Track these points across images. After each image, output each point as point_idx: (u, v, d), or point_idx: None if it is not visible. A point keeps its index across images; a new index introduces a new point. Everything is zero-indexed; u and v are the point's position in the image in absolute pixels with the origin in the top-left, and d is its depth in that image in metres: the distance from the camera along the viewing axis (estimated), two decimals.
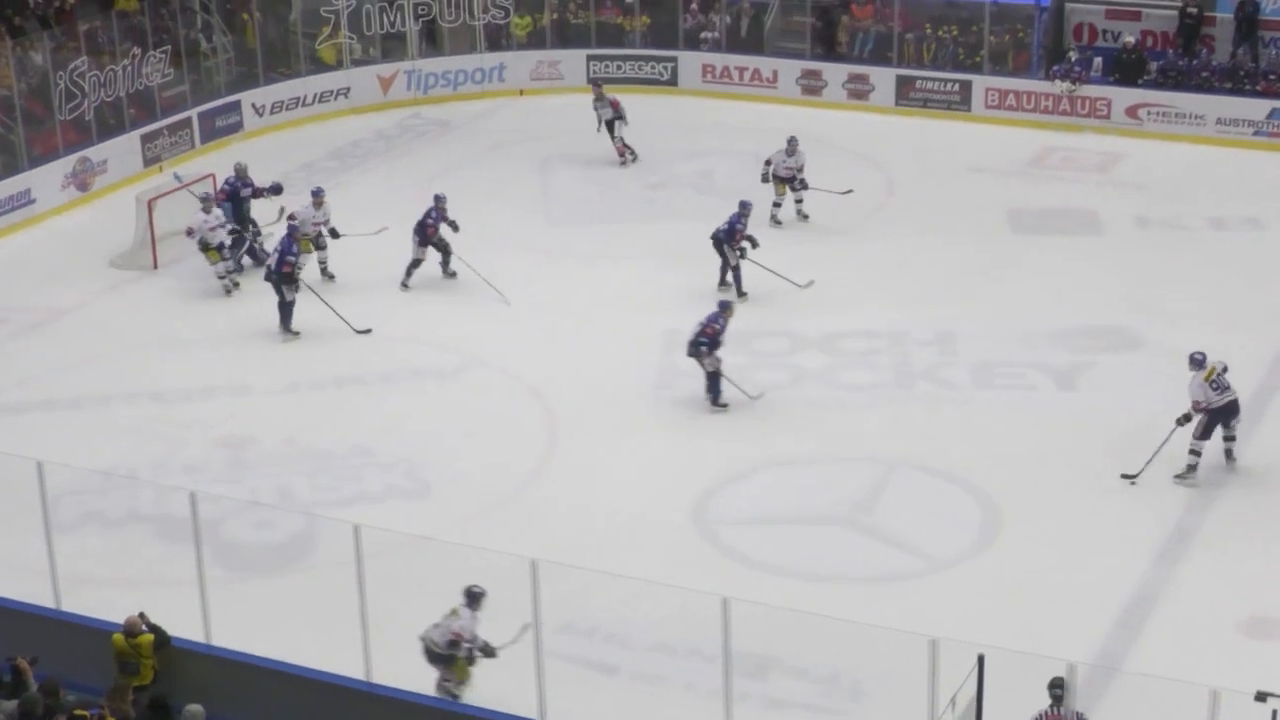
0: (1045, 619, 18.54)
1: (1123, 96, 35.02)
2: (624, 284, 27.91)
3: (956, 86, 36.19)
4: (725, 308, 23.66)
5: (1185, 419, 21.13)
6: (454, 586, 18.49)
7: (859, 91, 37.00)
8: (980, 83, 36.08)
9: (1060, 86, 35.21)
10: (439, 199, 27.71)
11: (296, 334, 26.00)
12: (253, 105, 36.23)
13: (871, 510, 21.06)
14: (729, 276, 27.01)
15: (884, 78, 36.78)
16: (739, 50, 38.06)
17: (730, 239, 26.71)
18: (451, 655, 16.73)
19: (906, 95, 36.57)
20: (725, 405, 23.49)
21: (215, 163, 32.28)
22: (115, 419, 23.68)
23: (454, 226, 27.63)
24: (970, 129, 35.59)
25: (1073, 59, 35.49)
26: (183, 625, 16.74)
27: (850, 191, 30.28)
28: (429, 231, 27.59)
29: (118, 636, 16.26)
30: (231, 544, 20.12)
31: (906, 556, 20.03)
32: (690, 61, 38.24)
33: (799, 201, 30.18)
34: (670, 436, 23.14)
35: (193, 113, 35.02)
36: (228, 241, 27.93)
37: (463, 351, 25.64)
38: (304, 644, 17.09)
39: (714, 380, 23.48)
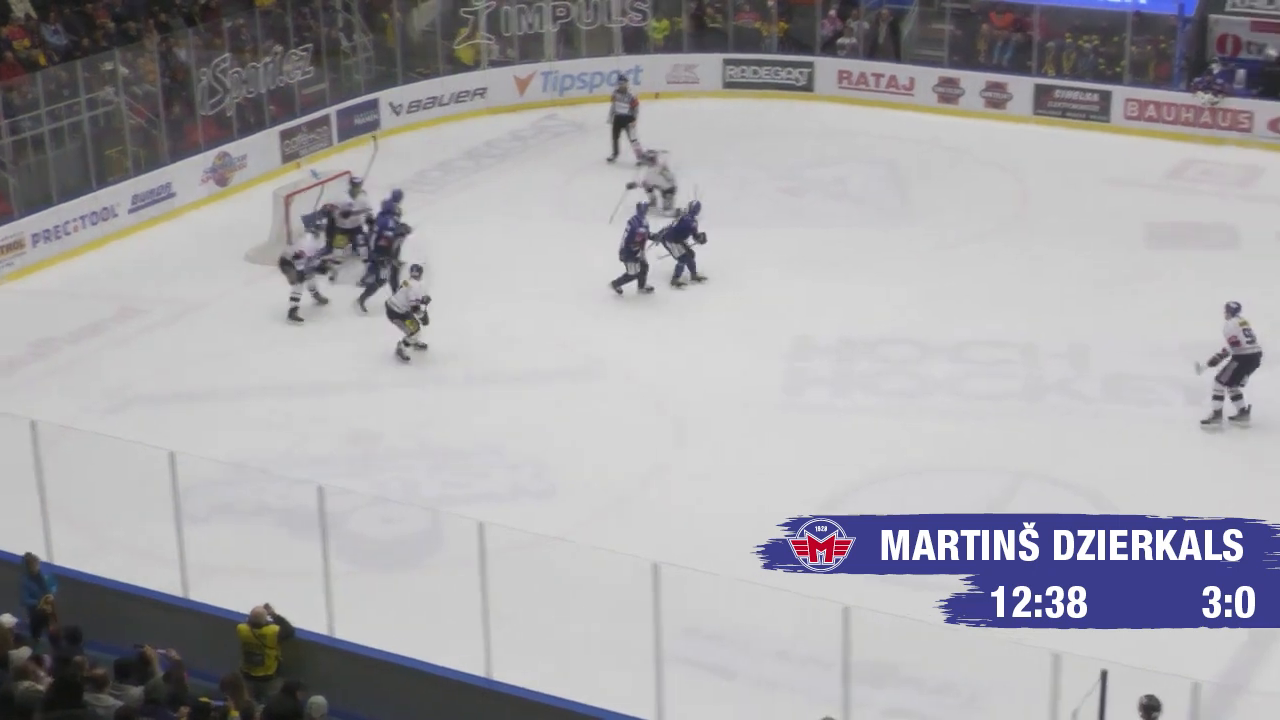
0: (1171, 635, 18.23)
1: (1265, 110, 34.52)
2: (753, 288, 27.87)
3: (1096, 97, 35.83)
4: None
5: (1216, 360, 22.86)
6: (576, 586, 18.63)
7: (996, 100, 36.72)
8: (1120, 93, 35.70)
9: (1202, 99, 34.75)
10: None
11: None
12: (390, 104, 36.53)
13: None
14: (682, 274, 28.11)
15: (1022, 86, 36.49)
16: (876, 57, 37.90)
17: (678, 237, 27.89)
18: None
19: (1045, 105, 36.25)
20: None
21: (352, 160, 32.54)
22: (247, 412, 23.98)
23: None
24: (1109, 140, 35.18)
25: (1215, 71, 35.02)
26: (307, 618, 16.93)
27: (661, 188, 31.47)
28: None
29: (243, 627, 16.46)
30: (357, 538, 20.30)
31: None
32: (827, 67, 38.09)
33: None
34: (796, 443, 23.07)
35: (331, 110, 35.40)
36: (364, 229, 28.53)
37: (590, 354, 25.72)
38: (426, 639, 17.22)
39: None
